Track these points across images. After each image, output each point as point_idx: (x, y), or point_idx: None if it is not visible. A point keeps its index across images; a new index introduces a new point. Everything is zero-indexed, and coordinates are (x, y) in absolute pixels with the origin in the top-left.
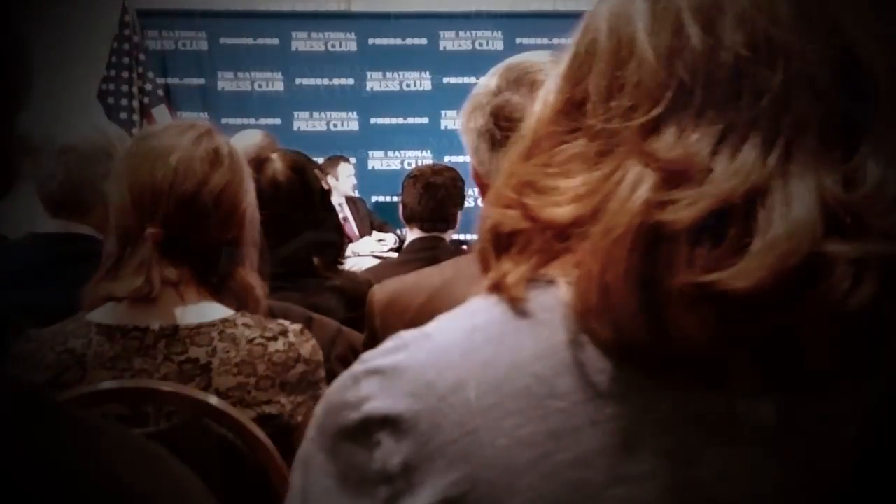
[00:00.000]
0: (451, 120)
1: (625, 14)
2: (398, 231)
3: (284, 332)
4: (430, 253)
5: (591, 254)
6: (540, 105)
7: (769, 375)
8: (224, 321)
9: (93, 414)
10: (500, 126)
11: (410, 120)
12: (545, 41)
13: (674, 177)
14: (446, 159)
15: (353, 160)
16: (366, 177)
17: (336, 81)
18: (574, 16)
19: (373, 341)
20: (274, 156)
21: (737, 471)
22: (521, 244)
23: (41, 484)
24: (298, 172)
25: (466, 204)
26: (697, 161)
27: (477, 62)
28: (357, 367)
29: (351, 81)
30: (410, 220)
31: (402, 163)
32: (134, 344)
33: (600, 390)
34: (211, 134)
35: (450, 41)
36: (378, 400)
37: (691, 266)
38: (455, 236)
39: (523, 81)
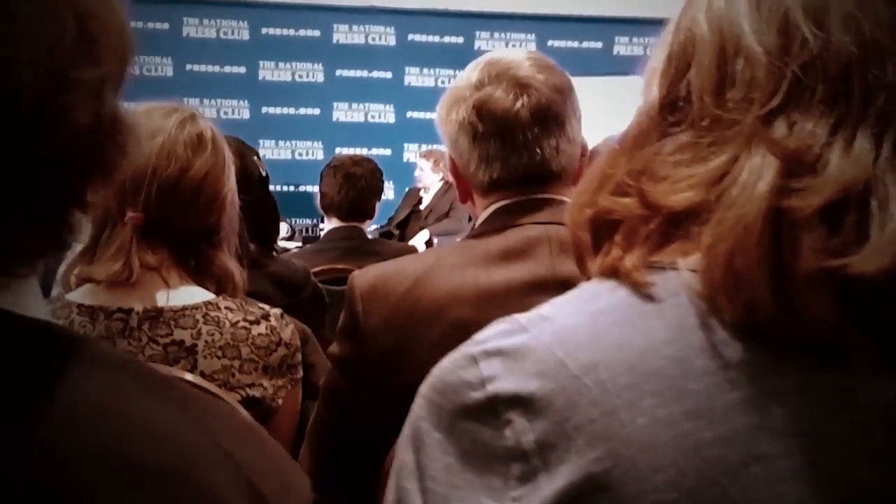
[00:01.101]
0: (343, 112)
1: (726, 15)
2: (290, 220)
3: (266, 316)
4: (349, 242)
5: (719, 239)
6: (641, 101)
7: (887, 356)
8: (207, 304)
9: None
10: (482, 119)
11: (302, 111)
12: (437, 38)
13: (793, 165)
14: (337, 150)
15: None
16: None
17: (228, 69)
18: (464, 15)
19: (353, 325)
20: None
21: (859, 449)
22: (626, 232)
23: (158, 451)
24: (238, 158)
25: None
26: (814, 151)
27: (369, 56)
28: (471, 347)
29: (243, 70)
30: (329, 209)
31: (293, 153)
32: (118, 325)
33: (733, 371)
34: (195, 118)
35: (343, 34)
36: (504, 380)
37: (814, 251)
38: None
39: (505, 77)
